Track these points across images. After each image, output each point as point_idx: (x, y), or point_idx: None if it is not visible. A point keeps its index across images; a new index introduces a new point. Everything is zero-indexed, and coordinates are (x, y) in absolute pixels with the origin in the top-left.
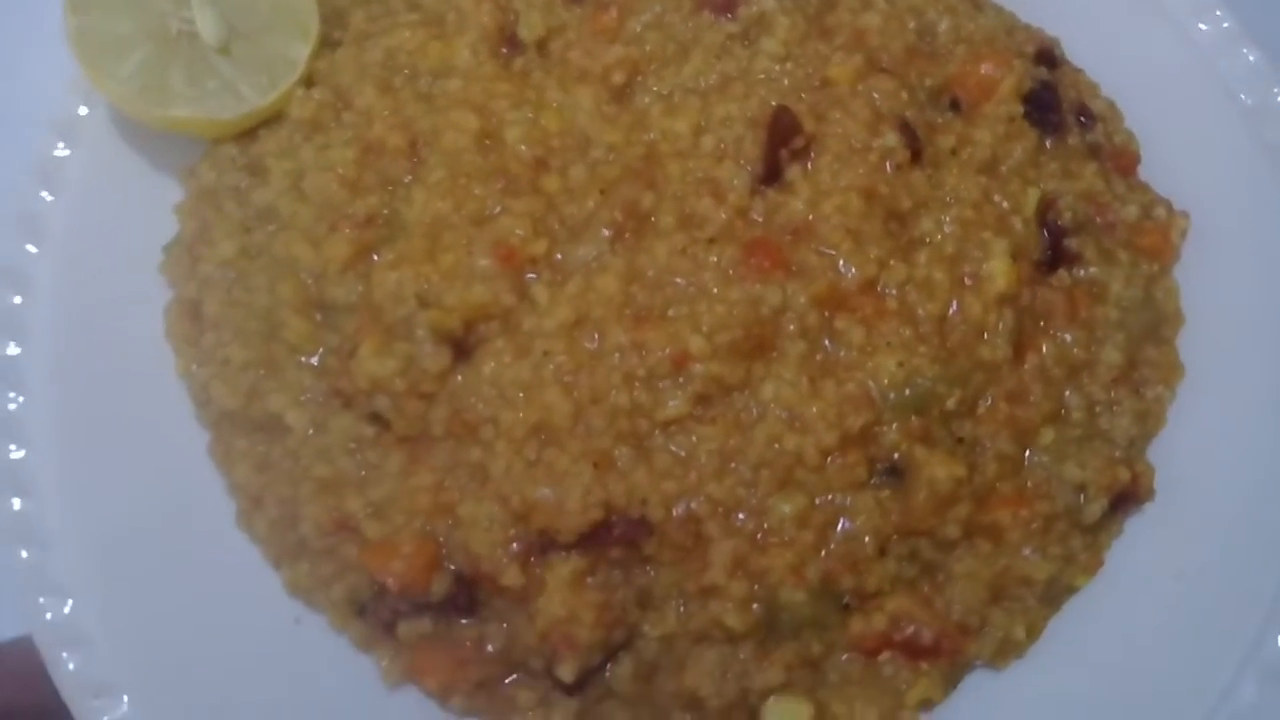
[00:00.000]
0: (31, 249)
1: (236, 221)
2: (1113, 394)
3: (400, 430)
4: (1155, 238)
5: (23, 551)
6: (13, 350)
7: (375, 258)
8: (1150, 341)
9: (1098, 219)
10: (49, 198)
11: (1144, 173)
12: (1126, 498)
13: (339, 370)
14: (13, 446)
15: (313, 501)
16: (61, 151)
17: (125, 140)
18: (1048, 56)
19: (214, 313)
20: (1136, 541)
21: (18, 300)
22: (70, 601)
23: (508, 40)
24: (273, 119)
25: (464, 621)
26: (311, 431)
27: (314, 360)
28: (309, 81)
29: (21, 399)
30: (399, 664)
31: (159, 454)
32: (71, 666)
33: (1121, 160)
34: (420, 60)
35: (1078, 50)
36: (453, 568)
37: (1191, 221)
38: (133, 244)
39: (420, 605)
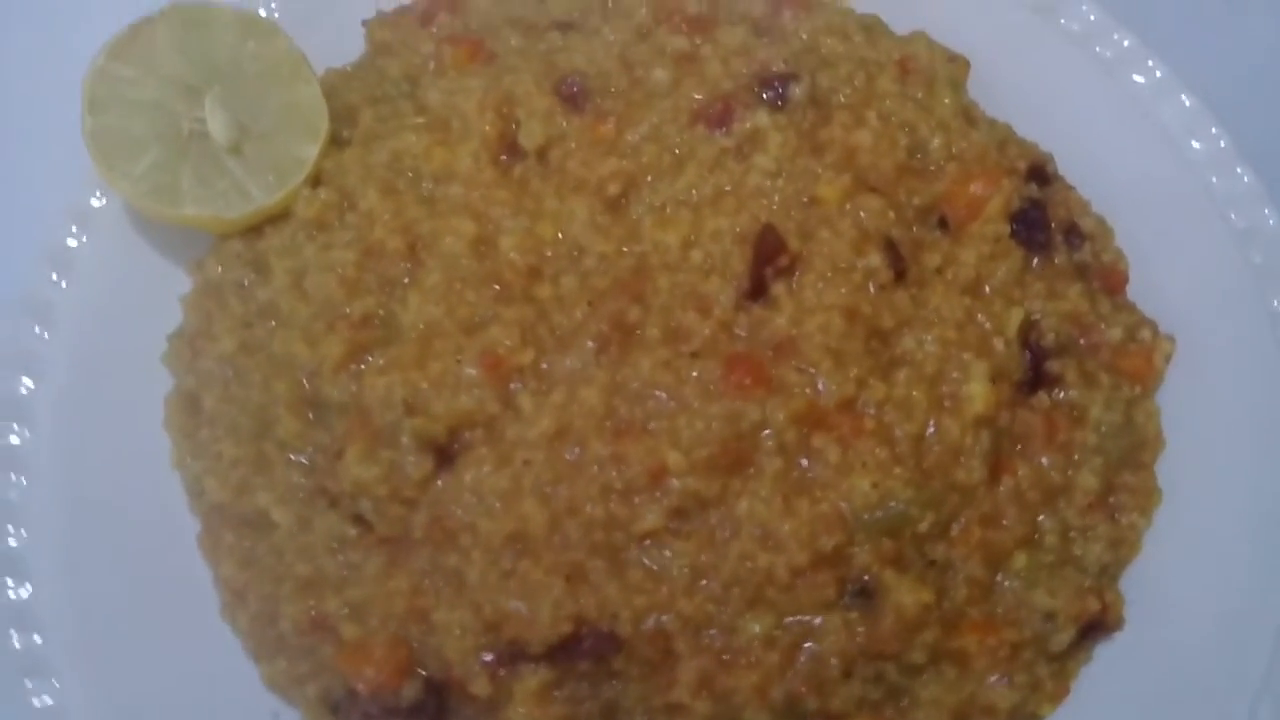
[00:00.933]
0: (42, 333)
1: (238, 316)
2: (1087, 519)
3: (381, 532)
4: (1139, 360)
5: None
6: (14, 439)
7: (369, 359)
8: (1128, 466)
9: (1081, 340)
10: (62, 283)
11: (1132, 291)
12: (1096, 627)
13: (326, 470)
14: (10, 529)
15: (292, 600)
16: (75, 240)
17: (138, 231)
18: (1039, 173)
19: (210, 406)
20: (1105, 670)
21: (27, 384)
22: (56, 684)
23: (508, 148)
24: (279, 216)
25: None
26: (296, 529)
27: (303, 459)
28: (316, 180)
29: (24, 482)
30: None
31: (153, 542)
32: None
33: (1109, 279)
34: (424, 164)
35: (1071, 164)
36: (424, 673)
37: (1177, 344)
38: (141, 333)
39: (390, 709)
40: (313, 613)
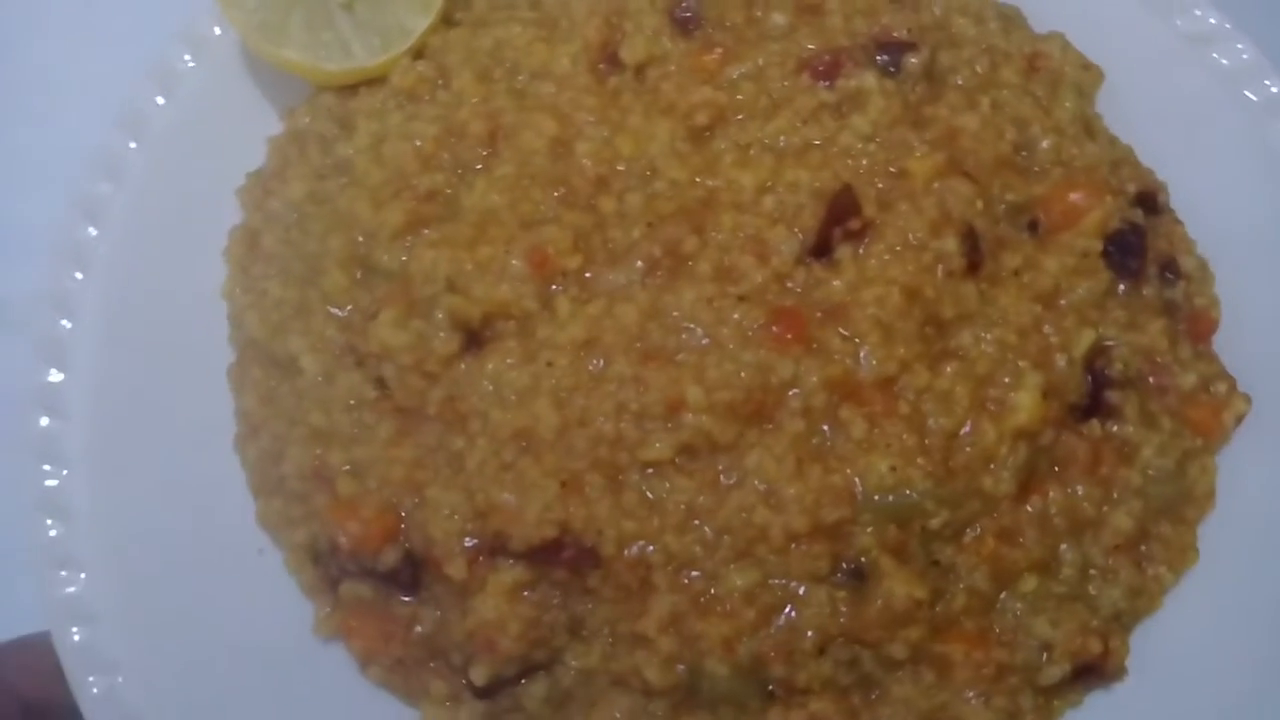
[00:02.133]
0: (133, 146)
1: (314, 166)
2: (1111, 561)
3: (399, 400)
4: (1207, 413)
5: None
6: (91, 230)
7: (425, 232)
8: (1169, 518)
9: (1150, 378)
10: (161, 101)
11: (1219, 342)
12: (1092, 670)
13: (359, 329)
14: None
15: (300, 444)
16: (185, 64)
17: (248, 69)
18: (1149, 200)
19: (268, 246)
20: (1092, 718)
21: (106, 190)
22: (65, 471)
23: (609, 58)
24: (376, 80)
25: (403, 598)
26: (320, 379)
27: (341, 313)
28: (419, 53)
29: (80, 276)
30: (333, 620)
31: (188, 364)
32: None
33: (1197, 324)
34: (524, 58)
35: (1188, 200)
36: (407, 545)
37: (1253, 407)
38: (227, 165)
39: (366, 570)
40: (316, 461)
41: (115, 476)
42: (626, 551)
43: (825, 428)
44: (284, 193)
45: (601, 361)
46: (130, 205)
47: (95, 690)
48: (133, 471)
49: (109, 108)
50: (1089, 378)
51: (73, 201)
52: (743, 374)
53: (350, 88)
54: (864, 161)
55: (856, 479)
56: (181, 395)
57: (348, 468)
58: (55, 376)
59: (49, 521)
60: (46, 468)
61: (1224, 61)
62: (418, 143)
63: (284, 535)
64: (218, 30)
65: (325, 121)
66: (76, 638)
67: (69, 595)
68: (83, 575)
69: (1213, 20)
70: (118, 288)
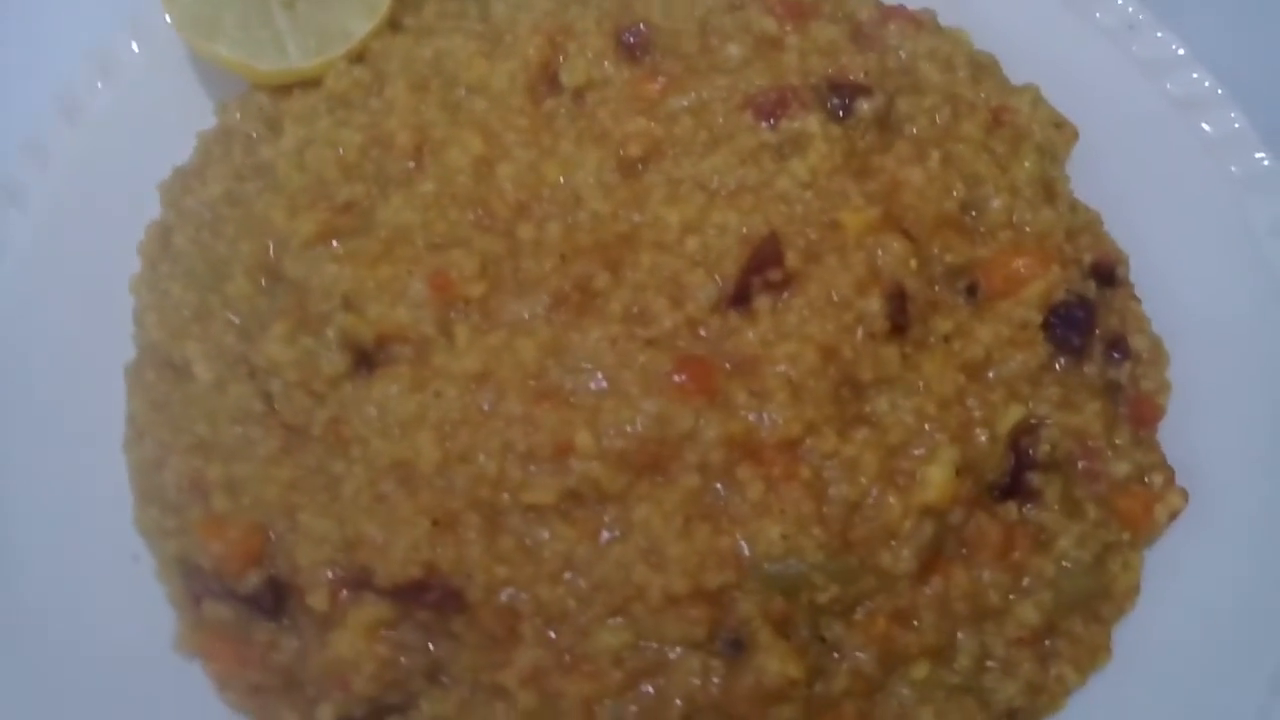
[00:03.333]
0: (67, 128)
1: (235, 166)
2: (1012, 654)
3: (284, 417)
4: (1138, 505)
5: None
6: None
7: (334, 245)
8: (1081, 615)
9: (1080, 462)
10: (98, 84)
11: (1165, 431)
12: None
13: (254, 340)
14: None
15: (182, 454)
16: (127, 50)
17: (190, 60)
18: (1105, 272)
19: (178, 244)
20: None
21: (33, 174)
22: None
23: (549, 78)
24: (311, 82)
25: (264, 623)
26: (211, 388)
27: (239, 322)
28: (359, 57)
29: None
30: (194, 638)
31: (94, 358)
32: None
33: (1140, 409)
34: (462, 71)
35: (1150, 276)
36: (272, 570)
37: (1189, 504)
38: (156, 157)
39: (228, 590)
40: (195, 473)
41: (2, 456)
42: (495, 598)
43: (719, 486)
44: (202, 191)
45: (493, 397)
46: (56, 191)
47: None
48: (20, 454)
49: (48, 90)
50: (1012, 456)
51: None
52: (640, 422)
53: (284, 88)
54: (798, 208)
55: (745, 543)
56: (82, 390)
57: (224, 483)
58: None
59: None
60: None
61: (1211, 130)
62: (341, 150)
63: (157, 545)
64: (167, 18)
65: (254, 121)
66: None
67: None
68: None
69: (1207, 84)
70: (33, 275)
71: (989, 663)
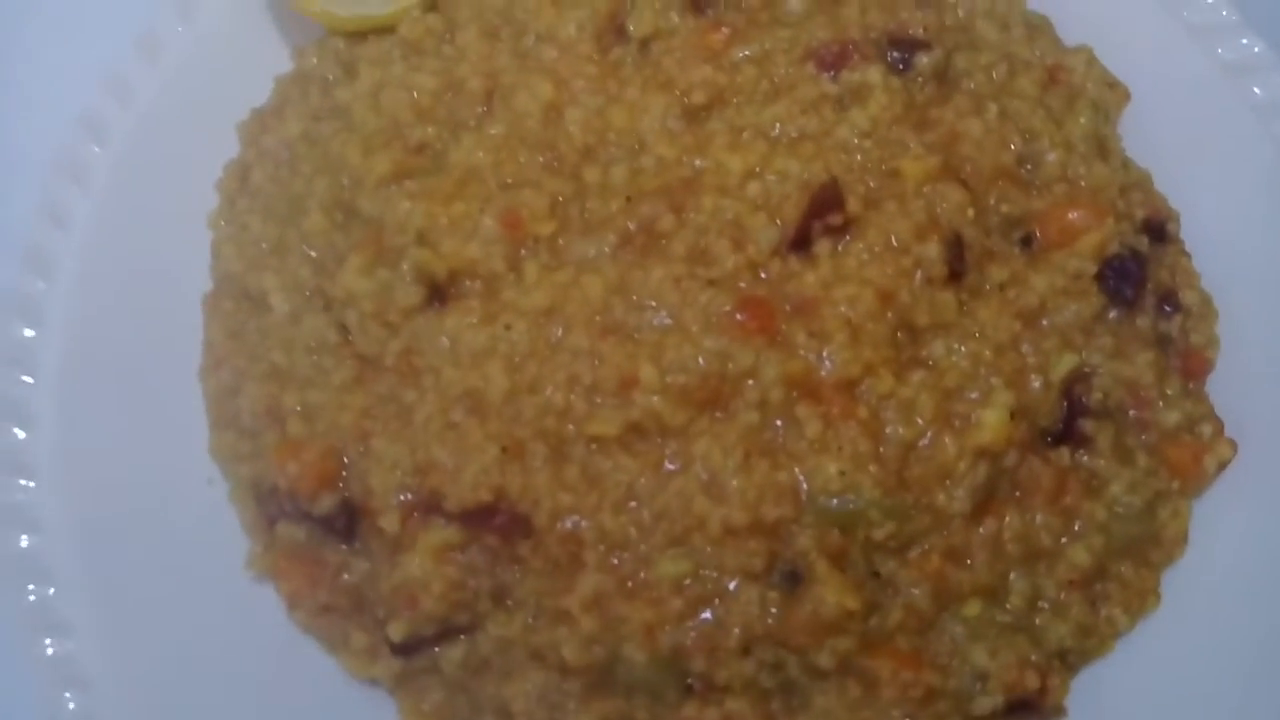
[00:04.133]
0: (147, 68)
1: (313, 107)
2: (1063, 595)
3: (358, 347)
4: (1187, 455)
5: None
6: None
7: (407, 184)
8: (1131, 559)
9: (1131, 411)
10: (179, 28)
11: (1214, 384)
12: (1027, 706)
13: (330, 274)
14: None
15: (258, 381)
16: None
17: (268, 6)
18: (1157, 228)
19: (257, 181)
20: None
21: (115, 110)
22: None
23: (616, 28)
24: (385, 29)
25: (336, 546)
26: (287, 319)
27: (316, 256)
28: (431, 5)
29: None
30: (265, 559)
31: (170, 290)
32: None
33: (1190, 362)
34: (532, 19)
35: (1198, 234)
36: (346, 493)
37: (1239, 455)
38: (236, 100)
39: (303, 512)
40: (271, 400)
41: (81, 384)
42: (559, 525)
43: (779, 423)
44: (280, 130)
45: (560, 331)
46: (136, 128)
47: (33, 598)
48: (98, 383)
49: (131, 31)
50: (1065, 403)
51: (79, 120)
52: (701, 359)
53: (359, 34)
54: (857, 157)
55: (804, 479)
56: (157, 320)
57: (300, 409)
58: (39, 286)
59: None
60: (15, 374)
61: (1261, 94)
62: (415, 94)
63: (232, 469)
64: None
65: (331, 64)
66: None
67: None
68: (32, 484)
69: (1258, 49)
70: (112, 208)
71: (1040, 603)
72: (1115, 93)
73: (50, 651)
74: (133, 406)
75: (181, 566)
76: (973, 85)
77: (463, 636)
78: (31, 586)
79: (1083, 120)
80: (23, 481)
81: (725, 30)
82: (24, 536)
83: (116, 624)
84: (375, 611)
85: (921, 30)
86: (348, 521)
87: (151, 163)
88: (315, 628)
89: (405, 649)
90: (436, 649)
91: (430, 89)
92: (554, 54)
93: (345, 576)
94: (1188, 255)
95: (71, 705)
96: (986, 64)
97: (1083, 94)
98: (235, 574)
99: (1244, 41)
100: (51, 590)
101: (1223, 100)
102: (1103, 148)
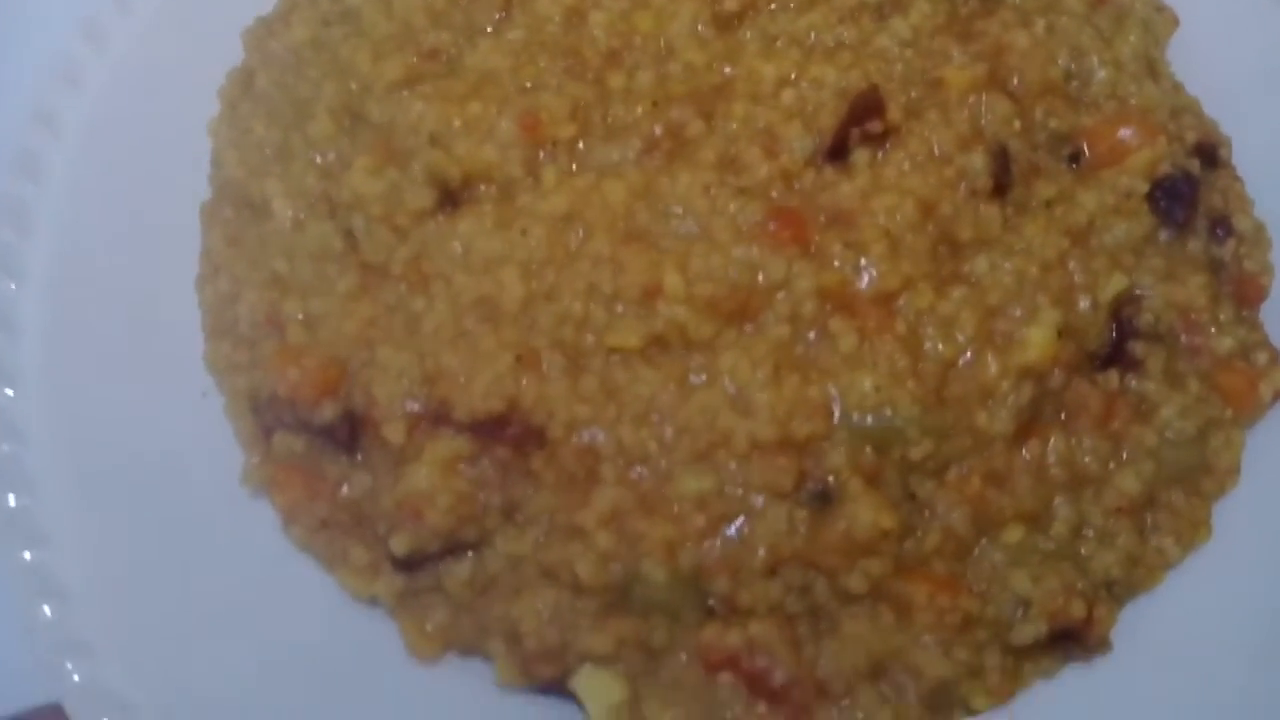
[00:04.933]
0: None
1: (321, 12)
2: (1111, 524)
3: (365, 254)
4: (1242, 382)
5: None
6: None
7: (419, 88)
8: (1182, 488)
9: (1182, 336)
10: None
11: (1268, 313)
12: (1072, 636)
13: (337, 178)
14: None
15: (258, 289)
16: None
17: None
18: (1208, 152)
19: (261, 86)
20: (1064, 693)
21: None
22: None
23: None
24: None
25: (336, 457)
26: (290, 226)
27: (322, 161)
28: None
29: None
30: (262, 471)
31: (163, 194)
32: None
33: (1244, 287)
34: None
35: (1249, 162)
36: (348, 403)
37: None
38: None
39: (302, 422)
40: (271, 307)
41: (72, 288)
42: (575, 437)
43: (811, 337)
44: (286, 35)
45: (580, 237)
46: (136, 34)
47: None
48: (90, 288)
49: None
50: (1113, 325)
51: (79, 24)
52: (730, 269)
53: None
54: (898, 66)
55: (836, 395)
56: (151, 228)
57: (301, 317)
58: (28, 190)
59: None
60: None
61: None
62: None
63: (228, 380)
64: None
65: None
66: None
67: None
68: (11, 391)
69: None
70: (108, 114)
71: (1086, 531)
72: (1163, 16)
73: (28, 558)
74: (124, 316)
75: (174, 480)
76: (1018, 0)
77: (470, 553)
78: (11, 495)
79: (1132, 39)
80: (7, 391)
81: None
82: (3, 444)
83: (102, 539)
84: (376, 527)
85: None
86: (349, 432)
87: (151, 69)
88: (313, 544)
89: (408, 564)
90: (441, 565)
91: None
92: None
93: (345, 490)
94: (1240, 181)
95: (49, 613)
96: None
97: (1131, 13)
98: (229, 490)
99: None
100: (34, 501)
101: (1271, 28)
102: (1153, 69)
